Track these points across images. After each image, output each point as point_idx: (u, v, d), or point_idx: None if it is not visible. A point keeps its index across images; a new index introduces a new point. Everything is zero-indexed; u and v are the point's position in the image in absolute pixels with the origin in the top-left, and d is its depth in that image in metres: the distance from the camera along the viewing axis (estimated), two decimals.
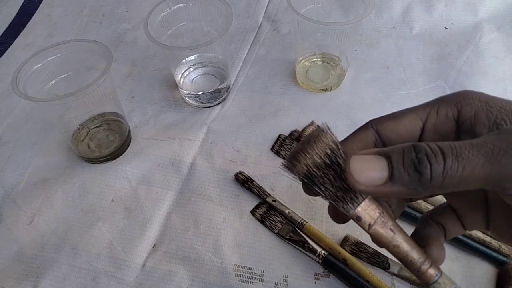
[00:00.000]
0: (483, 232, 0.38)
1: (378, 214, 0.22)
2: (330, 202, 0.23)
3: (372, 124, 0.24)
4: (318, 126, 0.48)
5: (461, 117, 0.22)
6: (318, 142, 0.22)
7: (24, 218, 0.43)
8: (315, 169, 0.22)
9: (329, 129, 0.23)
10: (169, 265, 0.39)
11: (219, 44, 0.46)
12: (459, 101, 0.22)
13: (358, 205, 0.22)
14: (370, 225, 0.22)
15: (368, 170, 0.19)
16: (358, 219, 0.22)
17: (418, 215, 0.39)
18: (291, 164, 0.23)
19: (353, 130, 0.26)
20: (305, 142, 0.23)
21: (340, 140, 0.24)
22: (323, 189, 0.23)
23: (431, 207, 0.39)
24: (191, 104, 0.52)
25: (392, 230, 0.22)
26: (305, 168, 0.22)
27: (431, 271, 0.22)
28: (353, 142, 0.24)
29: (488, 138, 0.19)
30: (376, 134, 0.24)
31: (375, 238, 0.23)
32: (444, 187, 0.19)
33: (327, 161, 0.22)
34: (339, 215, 0.25)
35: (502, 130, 0.19)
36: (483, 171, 0.18)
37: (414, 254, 0.22)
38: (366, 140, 0.24)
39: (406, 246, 0.22)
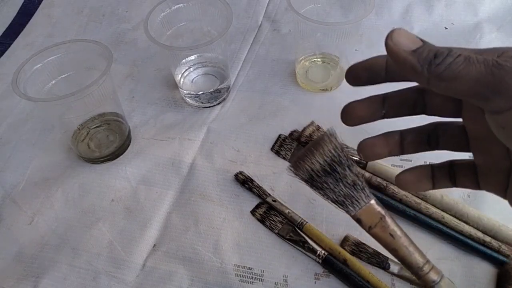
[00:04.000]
0: (483, 232, 0.38)
1: (379, 219, 0.24)
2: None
3: None
4: (319, 129, 0.48)
5: None
6: (320, 148, 0.24)
7: (24, 218, 0.43)
8: (315, 176, 0.24)
9: (333, 133, 0.24)
10: (169, 265, 0.39)
11: (219, 44, 0.46)
12: None
13: (360, 208, 0.23)
14: (370, 228, 0.24)
15: (405, 37, 0.22)
16: (358, 221, 0.24)
17: (418, 215, 0.39)
18: (294, 169, 0.24)
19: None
20: (309, 148, 0.24)
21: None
22: (322, 193, 0.24)
23: (431, 207, 0.39)
24: (191, 104, 0.52)
25: (391, 235, 0.24)
26: (306, 174, 0.24)
27: (430, 276, 0.24)
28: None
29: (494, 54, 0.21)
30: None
31: (376, 240, 0.24)
32: (442, 77, 0.21)
33: (327, 169, 0.23)
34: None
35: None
36: (478, 74, 0.20)
37: (413, 259, 0.24)
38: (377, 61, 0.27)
39: (404, 251, 0.24)
